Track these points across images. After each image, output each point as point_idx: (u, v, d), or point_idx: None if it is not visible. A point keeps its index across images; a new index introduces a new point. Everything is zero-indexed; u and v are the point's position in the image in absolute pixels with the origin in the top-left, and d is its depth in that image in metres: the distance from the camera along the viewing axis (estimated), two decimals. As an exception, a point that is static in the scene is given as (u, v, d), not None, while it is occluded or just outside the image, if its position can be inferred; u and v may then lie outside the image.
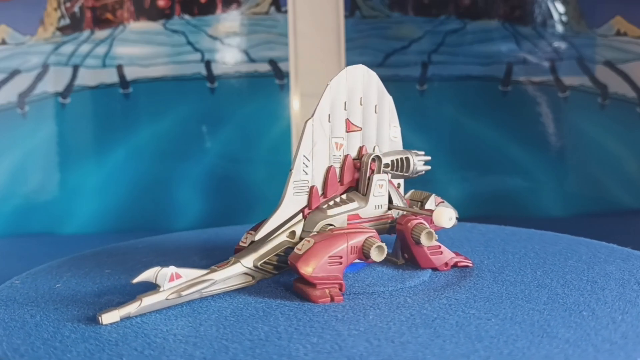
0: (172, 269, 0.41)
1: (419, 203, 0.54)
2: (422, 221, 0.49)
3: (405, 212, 0.51)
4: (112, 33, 2.08)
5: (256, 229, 0.50)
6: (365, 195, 0.50)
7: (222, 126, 2.10)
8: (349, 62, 1.96)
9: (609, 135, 2.18)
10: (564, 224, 1.99)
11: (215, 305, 0.43)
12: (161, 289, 0.40)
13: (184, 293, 0.41)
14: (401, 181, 0.54)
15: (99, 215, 2.07)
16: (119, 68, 2.07)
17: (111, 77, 2.07)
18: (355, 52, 2.06)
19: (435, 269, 0.50)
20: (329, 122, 0.49)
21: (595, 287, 0.46)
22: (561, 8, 2.18)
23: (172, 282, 0.41)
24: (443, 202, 0.55)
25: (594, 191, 2.17)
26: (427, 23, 2.15)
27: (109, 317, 0.39)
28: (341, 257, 0.44)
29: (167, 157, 2.09)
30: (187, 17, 2.09)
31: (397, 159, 0.52)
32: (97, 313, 0.39)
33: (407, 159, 0.52)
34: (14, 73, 2.06)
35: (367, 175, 0.50)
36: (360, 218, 0.49)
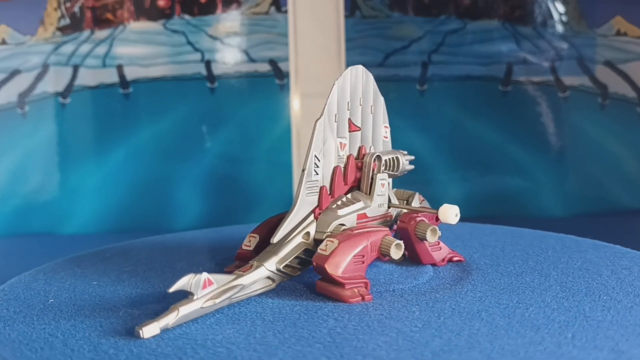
0: (205, 275, 0.39)
1: (404, 202, 0.55)
2: (424, 218, 0.51)
3: (405, 210, 0.52)
4: (112, 33, 2.08)
5: (259, 231, 0.50)
6: (369, 194, 0.51)
7: (222, 126, 2.10)
8: (349, 62, 1.97)
9: (609, 135, 2.18)
10: (564, 224, 1.99)
11: (247, 310, 0.42)
12: (195, 297, 0.39)
13: (217, 300, 0.40)
14: (390, 180, 0.55)
15: (99, 215, 2.07)
16: (119, 68, 2.07)
17: (111, 77, 2.07)
18: (355, 52, 2.06)
19: (434, 264, 0.52)
20: (335, 121, 0.49)
21: (595, 287, 0.46)
22: (561, 8, 2.18)
23: (205, 289, 0.39)
24: (424, 200, 0.57)
25: (594, 191, 2.17)
26: (427, 23, 2.15)
27: (149, 330, 0.37)
28: (364, 256, 0.45)
29: (167, 157, 2.09)
30: (187, 17, 2.09)
31: (389, 159, 0.53)
32: (136, 326, 0.37)
33: (397, 158, 0.53)
34: (14, 73, 2.06)
35: (371, 174, 0.51)
36: (367, 217, 0.50)
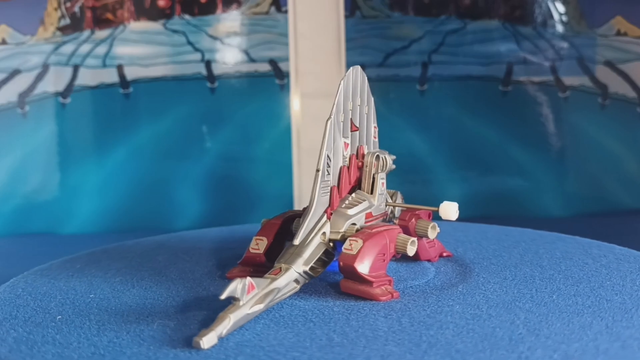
0: (248, 280, 0.39)
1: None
2: (421, 216, 0.53)
3: (403, 209, 0.54)
4: (113, 33, 2.08)
5: (266, 234, 0.49)
6: (372, 193, 0.51)
7: (222, 126, 2.10)
8: (349, 62, 1.97)
9: (609, 135, 2.18)
10: (564, 224, 1.99)
11: (289, 313, 0.42)
12: (242, 303, 0.38)
13: (262, 305, 0.39)
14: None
15: (99, 215, 2.07)
16: (119, 68, 2.07)
17: (111, 77, 2.07)
18: (355, 52, 2.06)
19: (429, 260, 0.55)
20: (341, 121, 0.49)
21: (594, 287, 0.46)
22: (561, 8, 2.18)
23: (249, 294, 0.38)
24: (403, 199, 0.58)
25: (594, 191, 2.17)
26: (428, 23, 2.15)
27: (209, 340, 0.35)
28: (384, 254, 0.46)
29: (167, 157, 2.09)
30: (187, 17, 2.09)
31: (383, 158, 0.54)
32: (195, 337, 0.35)
33: (385, 158, 0.54)
34: (14, 73, 2.06)
35: (372, 174, 0.52)
36: (372, 216, 0.51)
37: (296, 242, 0.45)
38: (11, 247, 1.93)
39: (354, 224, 0.48)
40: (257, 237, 0.50)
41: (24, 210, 2.04)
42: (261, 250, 0.49)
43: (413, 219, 0.52)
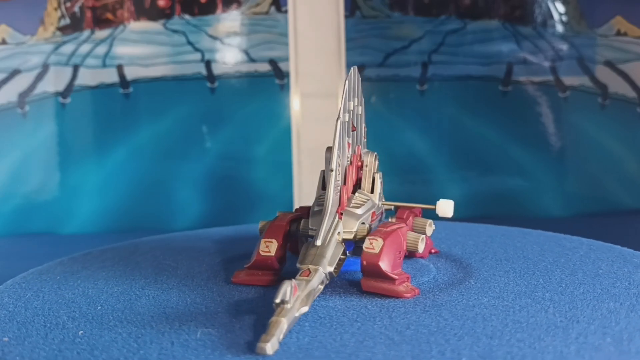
0: (293, 282, 0.38)
1: None
2: (417, 214, 0.54)
3: (399, 207, 0.55)
4: (112, 33, 2.08)
5: (275, 236, 0.49)
6: (372, 192, 0.52)
7: (223, 126, 2.10)
8: (349, 62, 1.97)
9: (609, 135, 2.18)
10: (564, 224, 1.99)
11: (321, 313, 0.42)
12: (289, 305, 0.37)
13: (306, 307, 0.39)
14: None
15: (99, 215, 2.07)
16: (119, 68, 2.07)
17: (111, 77, 2.07)
18: (355, 52, 2.06)
19: (421, 257, 0.56)
20: (346, 121, 0.50)
21: (594, 287, 0.46)
22: (561, 8, 2.18)
23: (294, 296, 0.38)
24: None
25: (594, 191, 2.17)
26: (428, 23, 2.15)
27: (272, 346, 0.34)
28: (400, 252, 0.47)
29: (167, 157, 2.09)
30: (187, 17, 2.09)
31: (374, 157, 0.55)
32: (259, 342, 0.34)
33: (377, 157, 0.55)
34: (14, 73, 2.06)
35: (373, 173, 0.52)
36: (375, 215, 0.51)
37: (318, 242, 0.44)
38: (11, 247, 1.93)
39: (363, 223, 0.48)
40: (266, 240, 0.48)
41: (24, 210, 2.05)
42: (272, 253, 0.48)
43: (410, 217, 0.53)
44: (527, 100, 2.17)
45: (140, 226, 2.02)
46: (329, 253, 0.44)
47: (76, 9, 2.08)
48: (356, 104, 0.52)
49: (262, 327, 0.38)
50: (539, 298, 0.43)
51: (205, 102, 2.10)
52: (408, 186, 2.04)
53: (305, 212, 0.52)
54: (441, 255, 0.57)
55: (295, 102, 1.98)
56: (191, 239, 0.68)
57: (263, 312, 0.42)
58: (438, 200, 0.55)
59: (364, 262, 0.45)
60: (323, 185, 0.52)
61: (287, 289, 0.36)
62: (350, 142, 0.51)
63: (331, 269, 0.43)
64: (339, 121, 0.46)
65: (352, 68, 0.51)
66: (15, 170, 2.06)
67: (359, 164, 0.52)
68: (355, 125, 0.52)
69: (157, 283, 0.50)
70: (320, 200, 0.50)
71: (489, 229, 0.69)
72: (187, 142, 2.10)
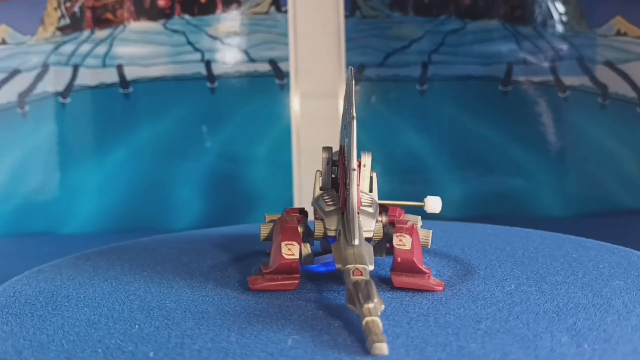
0: (372, 281, 0.38)
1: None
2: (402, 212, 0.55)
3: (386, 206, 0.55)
4: (112, 33, 2.08)
5: (294, 238, 0.47)
6: (371, 191, 0.53)
7: (222, 126, 2.10)
8: (349, 62, 1.97)
9: (609, 135, 2.18)
10: (564, 224, 1.99)
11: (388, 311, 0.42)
12: (374, 304, 0.37)
13: (383, 305, 0.38)
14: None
15: (99, 215, 2.07)
16: (119, 68, 2.07)
17: (111, 77, 2.07)
18: (355, 52, 2.06)
19: None
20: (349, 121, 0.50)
21: (593, 286, 0.46)
22: (561, 8, 2.18)
23: None
24: None
25: (594, 191, 2.17)
26: (428, 23, 2.15)
27: (385, 345, 0.34)
28: (419, 247, 0.48)
29: (167, 157, 2.09)
30: (187, 17, 2.09)
31: None
32: (375, 344, 0.34)
33: None
34: (14, 73, 2.06)
35: (370, 173, 0.53)
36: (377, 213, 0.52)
37: (356, 242, 0.43)
38: (11, 247, 1.93)
39: (378, 221, 0.49)
40: (287, 243, 0.47)
41: (24, 210, 2.05)
42: (297, 256, 0.47)
43: (402, 215, 0.54)
44: (527, 100, 2.17)
45: (140, 226, 2.02)
46: (366, 251, 0.44)
47: (76, 9, 2.08)
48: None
49: (338, 328, 0.38)
50: (539, 298, 0.43)
51: (205, 102, 2.10)
52: (408, 186, 2.04)
53: (292, 213, 0.52)
54: (441, 255, 0.57)
55: (295, 102, 1.98)
56: (193, 238, 0.68)
57: (320, 316, 0.41)
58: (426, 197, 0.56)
59: (399, 259, 0.46)
60: (332, 184, 0.53)
61: (375, 288, 0.37)
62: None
63: (372, 267, 0.43)
64: (354, 121, 0.46)
65: (349, 68, 0.51)
66: (15, 170, 2.06)
67: (358, 162, 0.52)
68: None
69: (177, 283, 0.50)
70: (327, 200, 0.50)
71: (489, 229, 0.69)
72: (187, 142, 2.10)
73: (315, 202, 0.51)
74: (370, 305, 0.36)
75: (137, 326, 0.39)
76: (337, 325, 0.39)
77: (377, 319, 0.35)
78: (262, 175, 2.10)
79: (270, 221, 0.53)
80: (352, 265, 0.41)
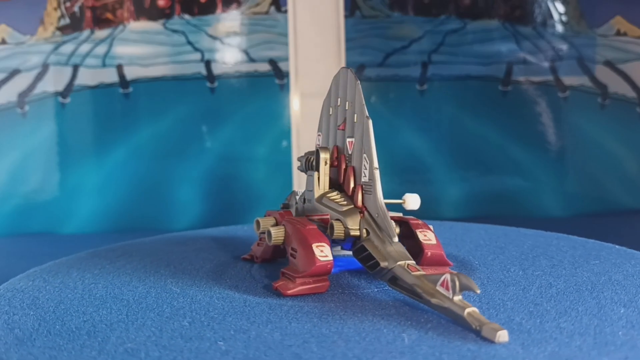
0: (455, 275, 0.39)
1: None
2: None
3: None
4: (112, 33, 2.08)
5: (322, 239, 0.47)
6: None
7: (222, 126, 2.10)
8: (349, 62, 1.97)
9: (609, 135, 2.18)
10: (564, 224, 1.99)
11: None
12: (457, 297, 0.38)
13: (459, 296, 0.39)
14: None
15: (99, 215, 2.07)
16: (119, 68, 2.07)
17: (111, 76, 2.07)
18: (355, 52, 2.06)
19: None
20: (354, 121, 0.49)
21: (592, 286, 0.46)
22: (561, 8, 2.18)
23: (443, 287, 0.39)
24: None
25: (594, 191, 2.17)
26: (427, 23, 2.15)
27: (506, 331, 0.35)
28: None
29: (167, 157, 2.09)
30: (187, 16, 2.09)
31: None
32: (497, 333, 0.35)
33: None
34: (14, 73, 2.06)
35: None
36: None
37: (396, 239, 0.44)
38: (11, 247, 1.93)
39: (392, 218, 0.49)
40: (318, 245, 0.46)
41: (24, 210, 2.04)
42: (330, 257, 0.45)
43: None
44: (527, 100, 2.17)
45: (140, 226, 2.01)
46: (403, 247, 0.45)
47: (76, 8, 2.08)
48: (339, 104, 0.52)
49: (432, 320, 0.39)
50: (539, 299, 0.43)
51: (205, 102, 2.10)
52: (408, 186, 2.04)
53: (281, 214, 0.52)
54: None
55: (295, 102, 1.98)
56: (193, 238, 0.68)
57: (401, 311, 0.41)
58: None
59: (429, 253, 0.47)
60: (331, 184, 0.52)
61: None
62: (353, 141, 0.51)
63: (411, 261, 0.44)
64: (370, 121, 0.46)
65: (340, 69, 0.51)
66: (15, 170, 2.06)
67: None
68: (344, 122, 0.52)
69: (190, 285, 0.50)
70: (338, 200, 0.49)
71: (489, 229, 0.69)
72: (187, 142, 2.10)
73: (319, 202, 0.51)
74: (454, 296, 0.38)
75: (136, 326, 0.39)
76: (426, 318, 0.39)
77: (473, 310, 0.37)
78: (262, 175, 2.10)
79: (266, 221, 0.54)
80: (404, 262, 0.43)
